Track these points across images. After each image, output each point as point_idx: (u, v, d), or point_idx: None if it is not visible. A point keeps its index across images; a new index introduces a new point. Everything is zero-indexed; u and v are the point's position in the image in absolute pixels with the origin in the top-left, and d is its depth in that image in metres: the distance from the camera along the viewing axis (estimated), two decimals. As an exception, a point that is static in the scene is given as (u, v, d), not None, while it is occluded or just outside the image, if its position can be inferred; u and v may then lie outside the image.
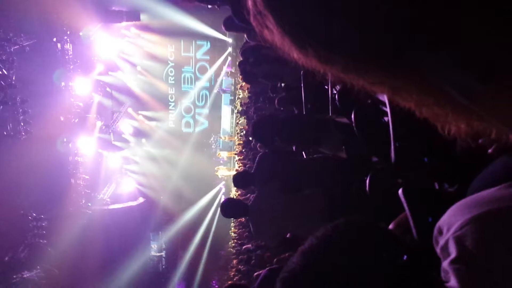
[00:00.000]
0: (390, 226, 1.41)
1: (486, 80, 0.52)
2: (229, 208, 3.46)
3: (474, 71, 0.52)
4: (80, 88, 16.15)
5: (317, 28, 0.58)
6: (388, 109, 1.73)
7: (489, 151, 1.05)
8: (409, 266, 0.75)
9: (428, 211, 1.21)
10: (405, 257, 0.76)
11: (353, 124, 2.31)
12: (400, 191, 1.34)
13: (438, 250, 0.69)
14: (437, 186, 1.48)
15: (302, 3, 0.57)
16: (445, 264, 0.67)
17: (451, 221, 0.65)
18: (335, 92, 3.24)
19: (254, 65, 5.66)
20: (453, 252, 0.65)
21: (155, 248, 19.88)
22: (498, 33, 0.49)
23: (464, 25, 0.50)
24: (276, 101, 5.11)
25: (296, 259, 0.81)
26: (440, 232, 0.69)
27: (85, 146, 16.85)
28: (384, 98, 1.97)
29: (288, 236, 3.46)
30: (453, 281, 0.65)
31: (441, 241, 0.67)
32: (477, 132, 0.64)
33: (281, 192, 3.06)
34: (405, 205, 1.29)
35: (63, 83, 15.31)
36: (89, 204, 17.43)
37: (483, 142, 0.91)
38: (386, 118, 2.00)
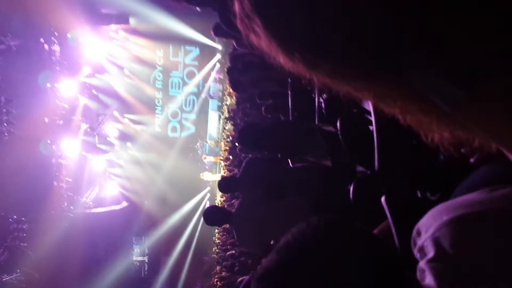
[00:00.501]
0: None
1: (469, 89, 0.53)
2: (212, 215, 3.40)
3: (457, 79, 0.53)
4: (66, 89, 15.97)
5: (304, 32, 0.58)
6: (372, 118, 1.74)
7: (471, 160, 1.07)
8: (385, 264, 0.76)
9: (410, 219, 1.22)
10: (381, 254, 0.77)
11: (339, 133, 2.33)
12: (382, 199, 1.34)
13: (415, 251, 0.70)
14: (419, 195, 1.49)
15: (290, 8, 0.57)
16: (422, 263, 0.67)
17: (430, 223, 0.66)
18: (321, 100, 3.26)
19: (242, 71, 5.67)
20: (430, 252, 0.66)
21: (137, 253, 19.66)
22: (481, 41, 0.49)
23: (447, 34, 0.50)
24: (263, 109, 5.12)
25: (271, 256, 0.81)
26: (419, 234, 0.70)
27: (69, 149, 16.62)
28: (369, 107, 1.99)
29: (272, 243, 3.45)
30: (429, 279, 0.66)
31: (419, 242, 0.68)
32: (460, 140, 0.64)
33: (265, 199, 3.05)
34: (387, 213, 1.30)
35: (48, 85, 15.12)
36: (72, 207, 17.16)
37: (466, 151, 0.92)
38: (371, 127, 2.02)
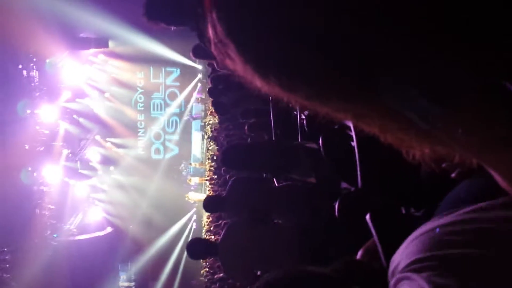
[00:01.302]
0: (360, 252, 1.41)
1: (446, 106, 0.53)
2: (196, 249, 3.28)
3: (433, 96, 0.53)
4: (46, 115, 15.82)
5: (278, 56, 0.58)
6: (353, 135, 1.75)
7: (452, 175, 1.07)
8: None
9: (395, 236, 1.21)
10: None
11: (321, 150, 2.33)
12: (367, 216, 1.34)
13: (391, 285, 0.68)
14: (404, 211, 1.49)
15: (263, 32, 0.57)
16: None
17: (402, 257, 0.65)
18: (303, 117, 3.28)
19: (224, 92, 5.70)
20: None
21: (124, 279, 19.26)
22: (454, 56, 0.49)
23: (422, 52, 0.50)
24: (246, 127, 5.13)
25: None
26: (393, 267, 0.69)
27: (51, 175, 16.38)
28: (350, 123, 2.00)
29: (258, 273, 3.38)
30: None
31: (392, 280, 0.66)
32: (441, 156, 0.64)
33: (251, 224, 3.01)
34: (372, 230, 1.29)
35: (28, 111, 14.96)
36: (55, 235, 16.83)
37: (447, 166, 0.93)
38: (353, 143, 2.02)
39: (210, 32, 0.64)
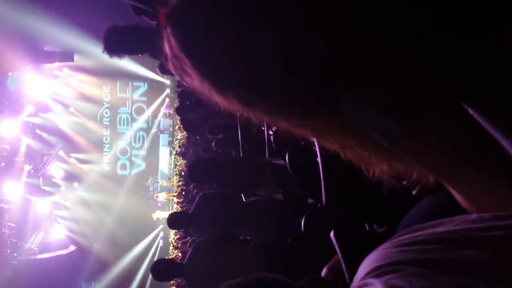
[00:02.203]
0: (324, 269, 1.41)
1: (407, 124, 0.53)
2: (161, 270, 3.18)
3: (394, 114, 0.53)
4: (7, 130, 15.38)
5: (234, 70, 0.58)
6: (318, 150, 1.76)
7: (413, 192, 1.09)
8: None
9: (359, 253, 1.22)
10: None
11: (288, 166, 2.34)
12: (331, 233, 1.34)
13: None
14: (367, 227, 1.51)
15: (217, 46, 0.57)
16: None
17: (358, 274, 0.65)
18: (271, 133, 3.29)
19: (192, 108, 5.67)
20: None
21: (88, 299, 18.69)
22: (417, 77, 0.50)
23: (384, 69, 0.51)
24: (213, 143, 5.10)
25: None
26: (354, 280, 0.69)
27: (11, 192, 15.86)
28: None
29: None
30: None
31: None
32: (398, 174, 0.65)
33: (218, 243, 2.96)
34: (336, 247, 1.29)
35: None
36: (15, 254, 16.30)
37: (408, 183, 0.94)
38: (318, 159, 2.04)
39: (166, 47, 0.63)
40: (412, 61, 0.49)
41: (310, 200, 2.60)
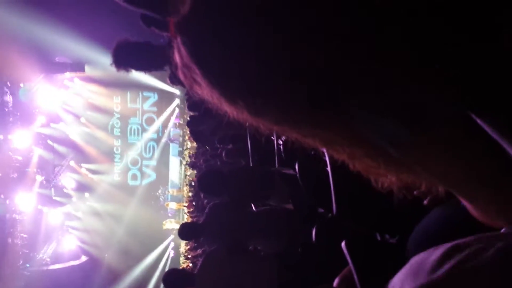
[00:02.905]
0: (336, 280, 1.39)
1: (416, 132, 0.53)
2: (173, 280, 3.19)
3: (403, 122, 0.53)
4: (19, 141, 15.53)
5: (243, 79, 0.58)
6: (328, 160, 1.76)
7: (425, 202, 1.08)
8: None
9: (371, 263, 1.21)
10: None
11: (298, 176, 2.34)
12: (343, 243, 1.33)
13: None
14: (379, 237, 1.50)
15: (227, 55, 0.57)
16: None
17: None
18: (280, 143, 3.29)
19: (200, 120, 5.70)
20: None
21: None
22: (424, 82, 0.50)
23: (393, 75, 0.51)
24: (223, 154, 5.11)
25: None
26: None
27: (24, 203, 15.98)
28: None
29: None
30: None
31: None
32: (407, 184, 0.65)
33: (229, 253, 2.96)
34: (348, 257, 1.28)
35: (1, 137, 14.66)
36: (28, 265, 16.37)
37: (419, 193, 0.93)
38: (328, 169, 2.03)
39: (176, 57, 0.64)
40: (419, 67, 0.49)
41: (321, 210, 2.59)
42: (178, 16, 0.62)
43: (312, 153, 2.44)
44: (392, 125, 0.54)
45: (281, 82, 0.56)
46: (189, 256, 11.16)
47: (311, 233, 2.33)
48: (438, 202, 1.03)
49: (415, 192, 0.84)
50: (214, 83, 0.60)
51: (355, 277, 1.24)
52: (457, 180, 0.58)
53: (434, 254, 0.58)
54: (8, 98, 14.95)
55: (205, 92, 0.62)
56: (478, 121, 0.49)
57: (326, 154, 1.90)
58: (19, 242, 15.82)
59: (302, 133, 0.64)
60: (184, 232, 3.72)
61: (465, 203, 0.61)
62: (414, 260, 0.62)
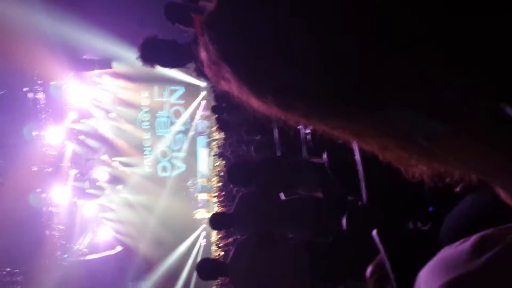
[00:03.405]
0: (368, 269, 1.39)
1: (448, 123, 0.53)
2: (206, 270, 3.25)
3: (436, 113, 0.53)
4: (52, 137, 15.96)
5: (275, 76, 0.58)
6: (356, 148, 1.75)
7: (457, 189, 1.07)
8: None
9: (403, 251, 1.20)
10: None
11: (326, 164, 2.33)
12: (374, 232, 1.33)
13: None
14: (411, 225, 1.48)
15: (256, 50, 0.57)
16: None
17: (427, 284, 0.64)
18: (308, 131, 3.28)
19: (227, 110, 5.71)
20: None
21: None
22: (455, 74, 0.50)
23: (425, 67, 0.51)
24: (253, 148, 5.12)
25: None
26: None
27: (59, 196, 16.47)
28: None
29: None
30: None
31: None
32: (439, 174, 0.64)
33: (260, 242, 2.99)
34: (379, 246, 1.28)
35: (35, 133, 15.10)
36: (65, 255, 16.86)
37: (450, 180, 0.92)
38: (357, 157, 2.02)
39: (203, 53, 0.64)
40: (450, 60, 0.49)
41: (350, 198, 2.58)
42: (205, 12, 0.62)
43: (340, 141, 2.42)
44: (427, 119, 0.54)
45: (316, 78, 0.56)
46: (220, 245, 11.29)
47: (341, 222, 2.33)
48: (470, 189, 1.02)
49: (447, 180, 0.83)
50: (243, 79, 0.60)
51: (387, 265, 1.24)
52: (492, 169, 0.58)
53: (464, 245, 0.58)
54: (40, 95, 15.35)
55: (234, 87, 0.63)
56: (508, 110, 0.49)
57: (355, 143, 1.88)
58: (56, 234, 16.29)
59: (332, 126, 0.64)
60: (215, 222, 3.77)
61: (499, 190, 0.61)
62: (443, 253, 0.62)
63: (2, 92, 13.16)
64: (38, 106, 15.34)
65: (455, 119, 0.52)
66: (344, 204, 2.54)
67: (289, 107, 0.62)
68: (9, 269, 13.66)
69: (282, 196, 3.67)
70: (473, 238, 0.59)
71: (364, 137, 0.63)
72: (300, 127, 3.33)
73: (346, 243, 2.27)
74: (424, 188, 1.28)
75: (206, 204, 18.42)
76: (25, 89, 14.76)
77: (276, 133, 3.98)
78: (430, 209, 1.25)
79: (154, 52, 2.76)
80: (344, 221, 2.26)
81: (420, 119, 0.54)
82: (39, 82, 15.04)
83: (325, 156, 2.30)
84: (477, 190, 0.96)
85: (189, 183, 19.60)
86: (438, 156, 0.59)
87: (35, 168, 15.25)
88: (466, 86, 0.50)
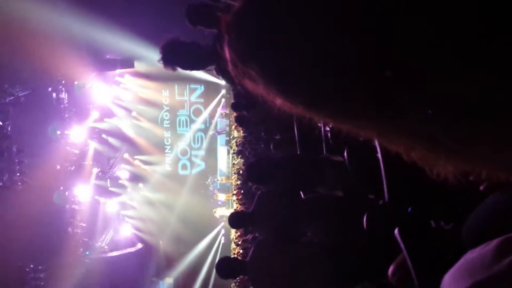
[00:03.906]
0: (391, 268, 1.39)
1: (475, 123, 0.52)
2: (225, 268, 3.25)
3: (462, 114, 0.52)
4: (75, 136, 16.24)
5: (303, 77, 0.58)
6: (378, 146, 1.73)
7: (481, 188, 1.05)
8: None
9: (426, 251, 1.19)
10: None
11: (347, 162, 2.31)
12: (396, 230, 1.32)
13: None
14: (433, 224, 1.47)
15: (285, 52, 0.57)
16: None
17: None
18: (328, 129, 3.26)
19: (247, 108, 5.72)
20: None
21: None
22: (486, 78, 0.49)
23: (449, 70, 0.50)
24: (272, 146, 5.12)
25: None
26: None
27: (81, 194, 16.75)
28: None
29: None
30: None
31: None
32: (465, 173, 0.63)
33: (279, 241, 2.98)
34: (401, 245, 1.27)
35: (58, 132, 15.38)
36: (87, 252, 17.14)
37: (474, 179, 0.91)
38: (379, 155, 2.00)
39: (228, 52, 0.64)
40: (473, 59, 0.49)
41: (371, 196, 2.56)
42: (229, 12, 0.62)
43: (361, 139, 2.41)
44: (453, 120, 0.53)
45: (342, 80, 0.56)
46: (239, 243, 11.32)
47: (362, 220, 2.31)
48: (494, 188, 1.00)
49: (471, 178, 0.82)
50: (272, 80, 0.60)
51: (410, 265, 1.23)
52: None
53: (487, 249, 0.57)
54: (64, 95, 15.65)
55: (259, 87, 0.63)
56: None
57: (377, 141, 1.87)
58: (78, 231, 16.59)
59: (357, 126, 0.63)
60: (235, 221, 3.77)
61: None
62: (467, 257, 0.61)
63: (27, 93, 13.44)
64: (61, 106, 15.64)
65: (482, 118, 0.52)
66: (364, 203, 2.52)
67: (316, 107, 0.62)
68: (32, 265, 13.95)
69: (302, 194, 3.66)
70: (495, 242, 0.58)
71: (389, 136, 0.63)
72: (320, 124, 3.32)
73: (366, 242, 2.25)
74: (446, 186, 1.26)
75: (225, 203, 18.50)
76: (49, 89, 15.06)
77: (296, 130, 3.97)
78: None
79: (176, 54, 2.78)
80: (364, 220, 2.24)
81: (447, 120, 0.54)
82: (63, 82, 15.32)
83: (345, 153, 2.29)
84: (501, 189, 0.95)
85: (208, 180, 19.70)
86: (466, 155, 0.58)
87: (58, 167, 15.53)
88: (490, 85, 0.49)
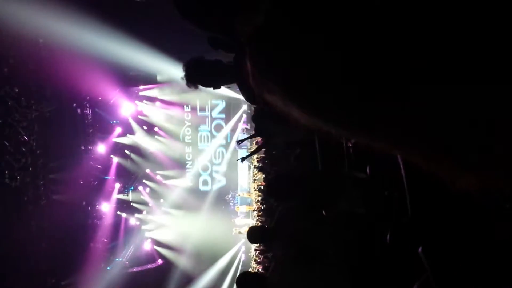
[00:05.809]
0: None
1: (496, 137, 0.52)
2: (246, 283, 3.25)
3: (483, 126, 0.51)
4: (99, 151, 16.49)
5: (325, 90, 0.58)
6: (401, 163, 1.71)
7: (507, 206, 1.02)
8: None
9: (451, 271, 1.15)
10: None
11: (370, 179, 2.29)
12: (420, 249, 1.28)
13: None
14: (458, 242, 1.42)
15: (307, 66, 0.58)
16: None
17: None
18: (350, 145, 3.24)
19: (268, 122, 5.71)
20: None
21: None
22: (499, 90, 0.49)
23: (464, 82, 0.50)
24: (292, 158, 5.10)
25: None
26: None
27: (104, 209, 16.93)
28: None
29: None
30: None
31: None
32: (488, 186, 0.62)
33: (299, 259, 2.95)
34: (426, 264, 1.23)
35: (82, 147, 15.67)
36: (108, 267, 17.23)
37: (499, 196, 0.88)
38: (402, 171, 1.97)
39: (250, 65, 0.64)
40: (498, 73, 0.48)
41: (394, 213, 2.51)
42: (251, 27, 0.63)
43: (384, 155, 2.38)
44: (472, 129, 0.52)
45: (360, 92, 0.56)
46: (259, 261, 11.25)
47: (385, 238, 2.27)
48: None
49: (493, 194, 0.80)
50: (292, 94, 0.60)
51: (434, 286, 1.19)
52: None
53: None
54: (88, 111, 15.98)
55: (278, 100, 0.63)
56: None
57: (399, 157, 1.84)
58: (100, 246, 16.73)
59: (376, 139, 0.63)
60: (253, 235, 3.76)
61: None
62: None
63: (52, 108, 13.75)
64: (86, 121, 15.95)
65: (503, 131, 0.51)
66: (387, 220, 2.47)
67: (335, 122, 0.61)
68: (54, 280, 14.07)
69: (323, 212, 3.62)
70: None
71: (412, 150, 0.62)
72: (342, 140, 3.29)
73: (389, 259, 2.20)
74: (471, 202, 1.22)
75: (245, 215, 18.43)
76: (74, 105, 15.39)
77: (317, 146, 3.95)
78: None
79: (199, 73, 2.81)
80: (388, 237, 2.20)
81: (467, 130, 0.53)
82: (87, 98, 15.65)
83: (368, 170, 2.26)
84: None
85: (229, 196, 19.70)
86: (486, 169, 0.57)
87: (81, 182, 15.77)
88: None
